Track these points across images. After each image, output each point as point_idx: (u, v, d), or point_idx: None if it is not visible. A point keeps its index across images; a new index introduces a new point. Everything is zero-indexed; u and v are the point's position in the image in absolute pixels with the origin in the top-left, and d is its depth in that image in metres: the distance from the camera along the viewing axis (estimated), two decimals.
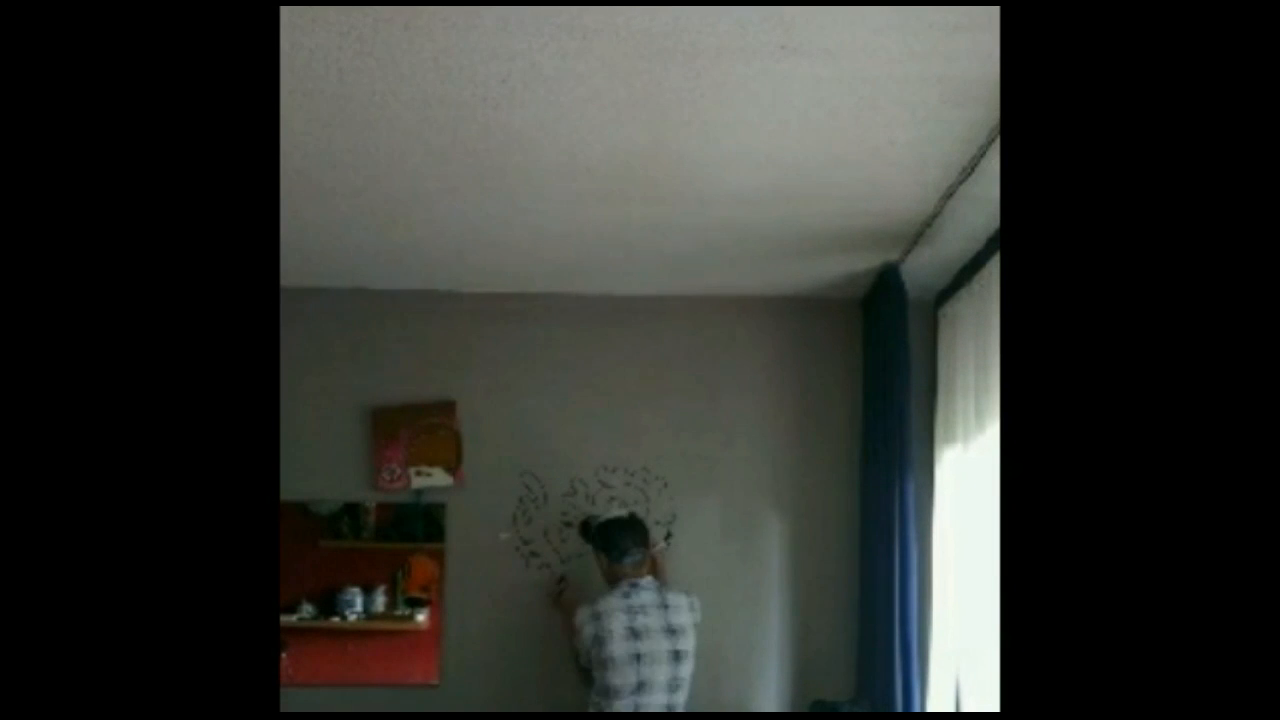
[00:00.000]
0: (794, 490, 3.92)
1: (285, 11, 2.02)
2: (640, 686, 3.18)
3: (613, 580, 3.36)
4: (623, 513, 3.54)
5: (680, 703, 3.27)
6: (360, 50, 2.21)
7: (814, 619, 3.86)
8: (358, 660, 3.81)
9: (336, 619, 3.81)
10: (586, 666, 3.31)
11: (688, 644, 3.27)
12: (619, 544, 3.38)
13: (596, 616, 3.24)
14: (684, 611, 3.31)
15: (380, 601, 3.83)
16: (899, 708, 3.34)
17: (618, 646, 3.19)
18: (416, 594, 3.84)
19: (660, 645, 3.22)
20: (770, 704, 3.83)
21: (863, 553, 3.76)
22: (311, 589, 3.81)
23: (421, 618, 3.83)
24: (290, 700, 3.60)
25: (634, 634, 3.21)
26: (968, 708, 3.25)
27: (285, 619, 3.76)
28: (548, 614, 3.77)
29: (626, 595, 3.28)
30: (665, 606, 3.29)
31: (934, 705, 3.44)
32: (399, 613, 3.83)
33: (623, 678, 3.18)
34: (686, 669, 3.27)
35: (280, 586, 3.64)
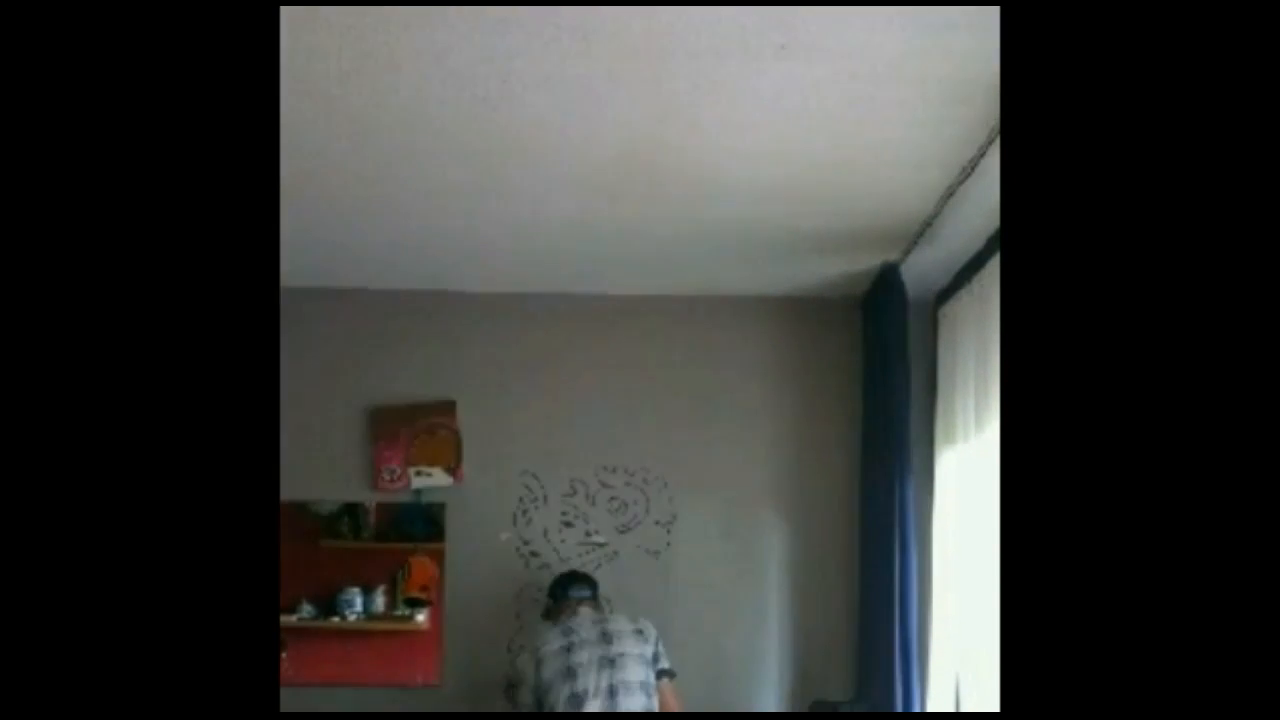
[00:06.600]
0: (794, 490, 3.92)
1: (285, 11, 2.02)
2: (574, 698, 3.10)
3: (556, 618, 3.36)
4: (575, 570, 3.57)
5: (634, 706, 3.13)
6: (360, 50, 2.21)
7: (814, 619, 3.86)
8: (358, 660, 3.81)
9: (336, 619, 3.81)
10: (532, 706, 3.24)
11: (629, 648, 3.18)
12: (562, 583, 3.42)
13: (536, 648, 3.22)
14: (623, 620, 3.28)
15: (380, 601, 3.83)
16: (899, 708, 3.34)
17: (551, 665, 3.15)
18: (416, 594, 3.84)
19: (593, 653, 3.15)
20: (770, 704, 3.83)
21: (863, 553, 3.76)
22: (311, 589, 3.81)
23: (421, 618, 3.83)
24: (290, 700, 3.58)
25: (567, 650, 3.16)
26: (968, 708, 3.25)
27: (285, 619, 3.76)
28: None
29: (566, 623, 3.27)
30: (604, 622, 3.27)
31: (934, 705, 3.44)
32: (399, 613, 3.83)
33: (557, 693, 3.12)
34: (632, 673, 3.15)
35: (280, 586, 3.63)
